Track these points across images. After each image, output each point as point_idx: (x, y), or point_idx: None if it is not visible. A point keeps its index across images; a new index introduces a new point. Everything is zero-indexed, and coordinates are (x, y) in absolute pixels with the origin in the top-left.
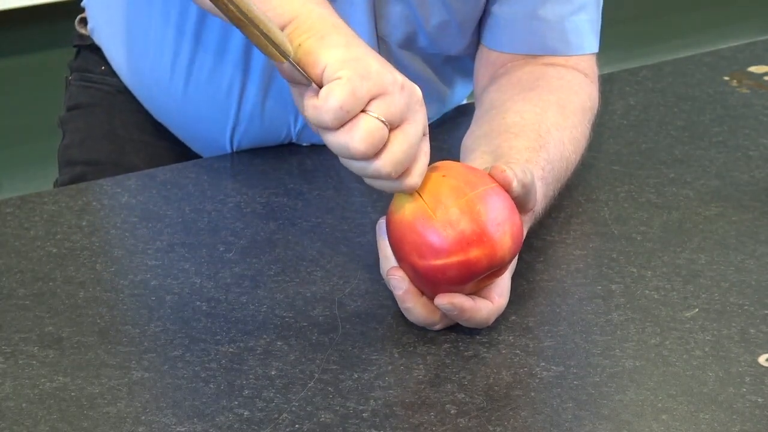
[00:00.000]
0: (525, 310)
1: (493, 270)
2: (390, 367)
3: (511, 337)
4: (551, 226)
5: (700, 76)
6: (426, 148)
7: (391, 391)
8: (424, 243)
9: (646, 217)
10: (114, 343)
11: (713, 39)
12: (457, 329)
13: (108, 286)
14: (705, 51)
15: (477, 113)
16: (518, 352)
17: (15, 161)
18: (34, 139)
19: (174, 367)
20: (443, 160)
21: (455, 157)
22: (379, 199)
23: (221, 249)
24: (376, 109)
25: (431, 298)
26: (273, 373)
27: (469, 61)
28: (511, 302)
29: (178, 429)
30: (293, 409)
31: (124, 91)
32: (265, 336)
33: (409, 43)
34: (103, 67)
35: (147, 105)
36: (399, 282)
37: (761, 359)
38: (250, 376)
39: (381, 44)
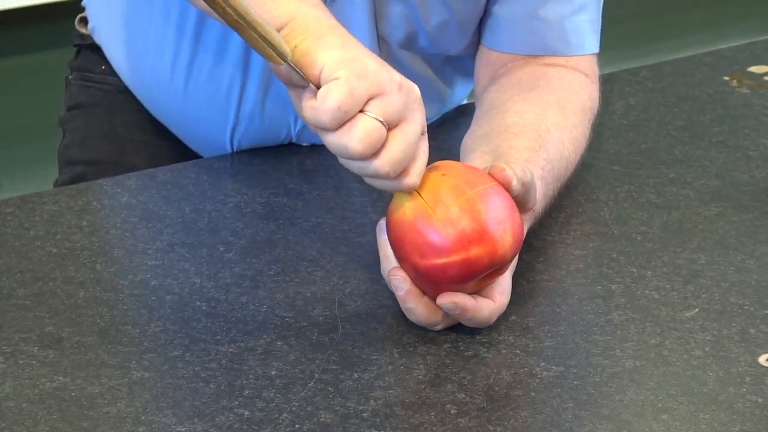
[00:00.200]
0: (525, 310)
1: (494, 268)
2: (390, 367)
3: (511, 337)
4: (551, 226)
5: (700, 76)
6: (424, 147)
7: (391, 391)
8: (425, 242)
9: (646, 217)
10: (114, 343)
11: (713, 39)
12: (457, 329)
13: (108, 286)
14: (705, 51)
15: (477, 113)
16: (518, 352)
17: (15, 161)
18: (34, 139)
19: (174, 367)
20: (443, 159)
21: (455, 157)
22: (379, 199)
23: (221, 249)
24: (374, 108)
25: (433, 298)
26: (273, 373)
27: (469, 61)
28: (511, 302)
29: (178, 429)
30: (293, 409)
31: (125, 91)
32: (265, 336)
33: (410, 43)
34: (103, 67)
35: (147, 105)
36: (400, 282)
37: (761, 359)
38: (250, 376)
39: (381, 44)
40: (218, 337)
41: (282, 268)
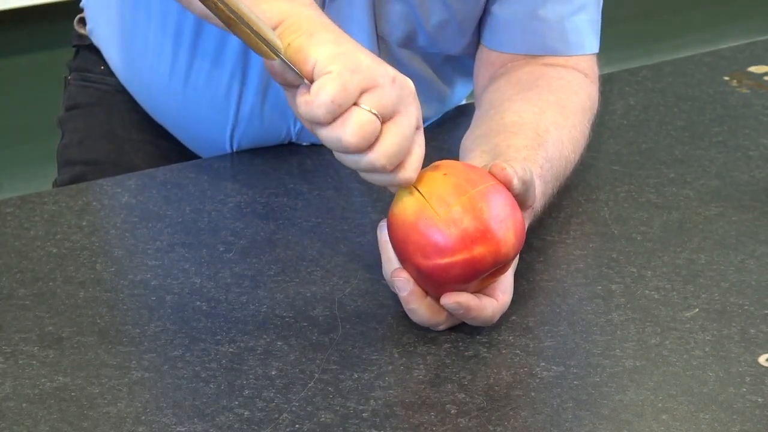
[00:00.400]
0: (525, 310)
1: (498, 267)
2: (390, 367)
3: (511, 337)
4: (551, 226)
5: (700, 76)
6: (420, 140)
7: (391, 391)
8: (427, 243)
9: (646, 217)
10: (114, 343)
11: (713, 39)
12: (457, 329)
13: (108, 286)
14: (705, 51)
15: (476, 113)
16: (518, 352)
17: (15, 161)
18: (33, 139)
19: (174, 367)
20: (443, 159)
21: (455, 157)
22: (379, 199)
23: (221, 249)
24: (368, 102)
25: (436, 299)
26: (273, 373)
27: (468, 61)
28: (511, 302)
29: (178, 429)
30: (293, 409)
31: (123, 91)
32: (265, 336)
33: (409, 42)
34: (102, 67)
35: (145, 106)
36: (404, 284)
37: (761, 359)
38: (250, 376)
39: (381, 43)
40: (218, 337)
41: (282, 268)
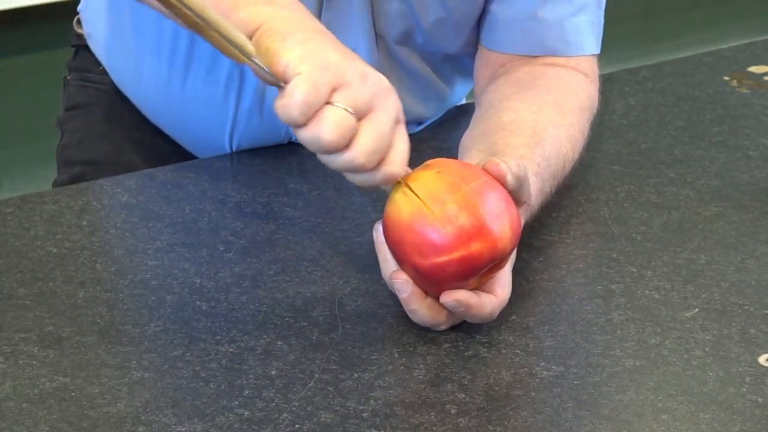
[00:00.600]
0: (525, 310)
1: (495, 262)
2: (390, 367)
3: (511, 337)
4: (551, 225)
5: (700, 76)
6: (401, 134)
7: (391, 391)
8: (424, 242)
9: (646, 217)
10: (114, 343)
11: (713, 39)
12: (457, 329)
13: (108, 286)
14: (705, 51)
15: (476, 113)
16: (518, 351)
17: (15, 161)
18: (33, 139)
19: (174, 367)
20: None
21: (455, 156)
22: (379, 198)
23: (221, 249)
24: (340, 99)
25: (435, 298)
26: (273, 373)
27: (468, 60)
28: (511, 302)
29: (178, 429)
30: (293, 409)
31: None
32: (265, 336)
33: (406, 39)
34: (101, 67)
35: (143, 108)
36: (403, 285)
37: (761, 359)
38: (250, 376)
39: (379, 41)
40: (218, 337)
41: (282, 268)
